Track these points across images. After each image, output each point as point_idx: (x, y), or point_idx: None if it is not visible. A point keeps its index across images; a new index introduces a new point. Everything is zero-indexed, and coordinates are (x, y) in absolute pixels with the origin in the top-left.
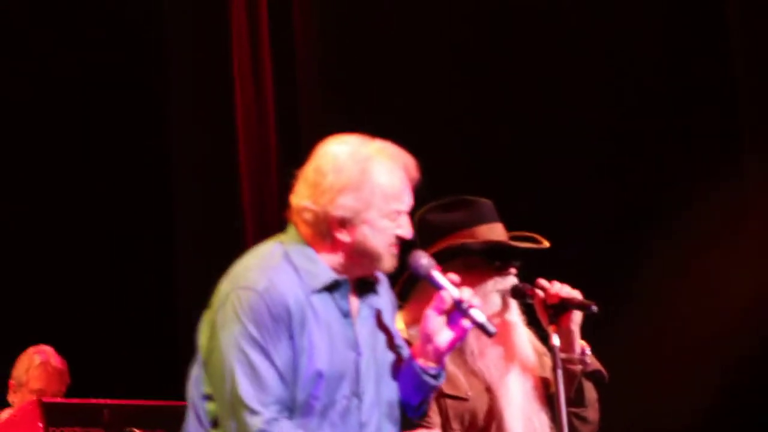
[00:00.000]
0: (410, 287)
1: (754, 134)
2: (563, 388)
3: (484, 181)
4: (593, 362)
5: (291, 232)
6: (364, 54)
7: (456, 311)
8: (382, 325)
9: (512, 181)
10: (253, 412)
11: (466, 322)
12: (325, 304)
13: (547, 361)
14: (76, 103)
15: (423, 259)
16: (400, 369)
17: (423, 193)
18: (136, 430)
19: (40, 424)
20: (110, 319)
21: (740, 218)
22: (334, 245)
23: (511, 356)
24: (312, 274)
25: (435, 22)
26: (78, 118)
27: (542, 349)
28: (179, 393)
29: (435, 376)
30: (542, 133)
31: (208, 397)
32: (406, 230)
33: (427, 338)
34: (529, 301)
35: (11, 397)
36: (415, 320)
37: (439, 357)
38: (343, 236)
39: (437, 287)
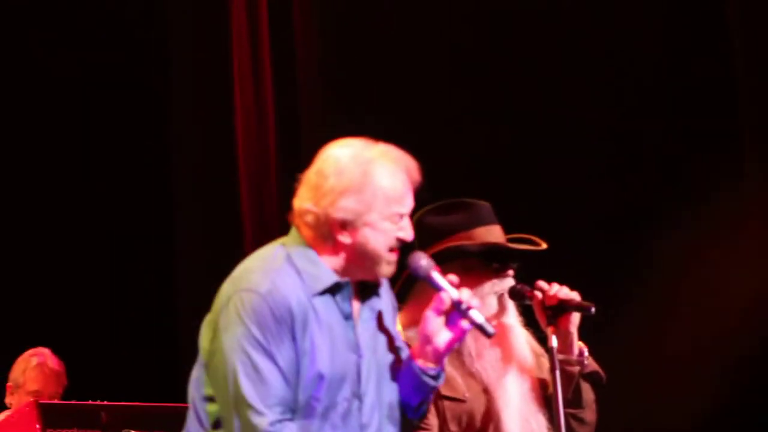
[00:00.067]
0: (408, 288)
1: (754, 134)
2: (561, 390)
3: (483, 182)
4: (591, 363)
5: (293, 234)
6: (364, 54)
7: (455, 312)
8: (382, 327)
9: (512, 181)
10: (258, 412)
11: (464, 323)
12: (326, 306)
13: (545, 362)
14: (76, 103)
15: (422, 260)
16: (400, 370)
17: (422, 193)
18: (133, 431)
19: (37, 426)
20: (108, 320)
21: (740, 218)
22: (336, 247)
23: (509, 358)
24: (314, 276)
25: (435, 22)
26: (77, 119)
27: (540, 350)
28: (177, 395)
29: (434, 377)
30: (542, 133)
31: (208, 399)
32: (408, 233)
33: (427, 339)
34: (528, 302)
35: (8, 399)
36: (413, 321)
37: (438, 358)
38: (345, 238)
39: (436, 288)
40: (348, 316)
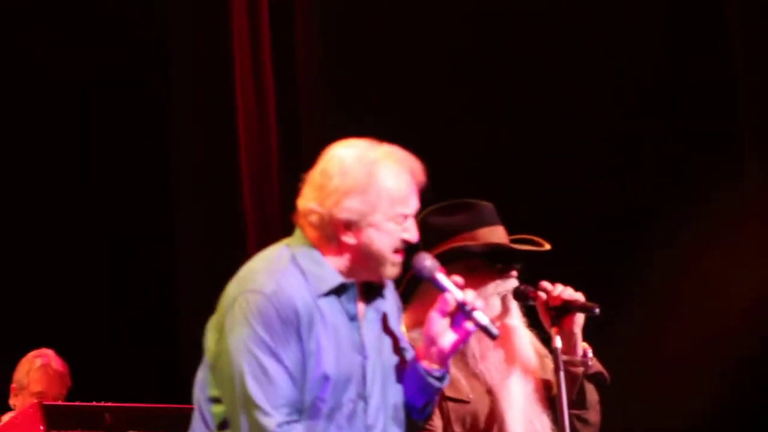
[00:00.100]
0: (413, 289)
1: (754, 134)
2: (565, 391)
3: (483, 182)
4: (595, 364)
5: (297, 235)
6: (364, 54)
7: (459, 313)
8: (387, 329)
9: (512, 181)
10: (266, 413)
11: (469, 325)
12: (332, 307)
13: (549, 363)
14: (76, 103)
15: (427, 261)
16: (405, 372)
17: (424, 193)
18: None
19: (41, 427)
20: (111, 321)
21: (740, 218)
22: (340, 248)
23: (513, 359)
24: (319, 277)
25: (435, 22)
26: (77, 119)
27: (544, 351)
28: (181, 396)
29: (439, 378)
30: (542, 133)
31: (214, 400)
32: (412, 234)
33: (431, 340)
34: (532, 303)
35: (12, 401)
36: (417, 322)
37: (443, 359)
38: (349, 239)
39: (441, 289)
40: (353, 317)
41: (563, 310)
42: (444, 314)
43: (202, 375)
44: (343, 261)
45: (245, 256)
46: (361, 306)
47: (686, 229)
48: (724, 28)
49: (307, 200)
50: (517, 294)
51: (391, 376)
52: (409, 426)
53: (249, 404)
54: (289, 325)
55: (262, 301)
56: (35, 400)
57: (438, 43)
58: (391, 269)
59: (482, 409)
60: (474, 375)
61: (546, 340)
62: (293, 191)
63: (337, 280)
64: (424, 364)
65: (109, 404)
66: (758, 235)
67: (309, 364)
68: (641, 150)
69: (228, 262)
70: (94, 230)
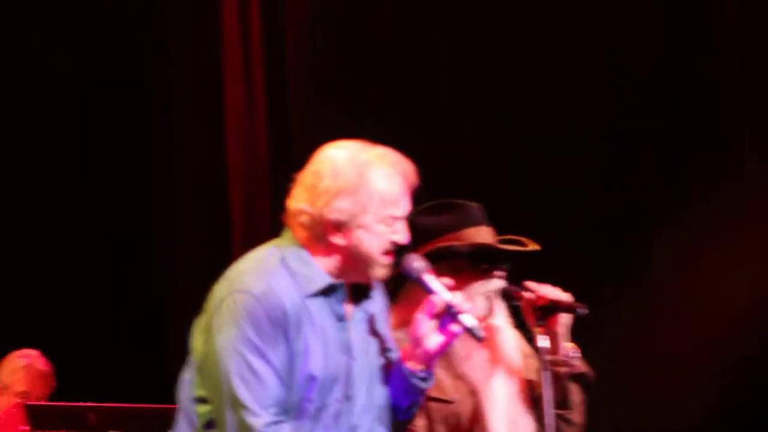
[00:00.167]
0: (399, 288)
1: (754, 134)
2: (550, 391)
3: (479, 182)
4: (580, 364)
5: (287, 235)
6: (355, 55)
7: (446, 315)
8: (375, 330)
9: (507, 181)
10: (253, 413)
11: (455, 327)
12: (320, 308)
13: (534, 363)
14: (76, 103)
15: (416, 262)
16: (390, 372)
17: (419, 193)
18: None
19: (25, 428)
20: (96, 322)
21: (739, 218)
22: (330, 249)
23: (497, 359)
24: (308, 278)
25: (428, 22)
26: (77, 118)
27: (529, 351)
28: (164, 396)
29: (424, 380)
30: (540, 133)
31: (200, 400)
32: (402, 236)
33: (417, 342)
34: (518, 303)
35: None
36: (403, 322)
37: (428, 360)
38: (338, 240)
39: (429, 291)
40: (341, 318)
41: (549, 310)
42: (431, 316)
43: (187, 375)
44: (332, 262)
45: (233, 256)
46: (349, 307)
47: (684, 229)
48: (724, 28)
49: (297, 200)
50: (504, 294)
51: (378, 376)
52: (395, 426)
53: (236, 404)
54: (278, 326)
55: (251, 301)
56: (19, 400)
57: (433, 43)
58: (380, 271)
59: (466, 409)
60: (458, 375)
61: (531, 339)
62: (283, 192)
63: (326, 280)
64: (410, 365)
65: (93, 404)
66: (757, 236)
67: (296, 364)
68: (641, 150)
69: (216, 263)
70: (81, 232)
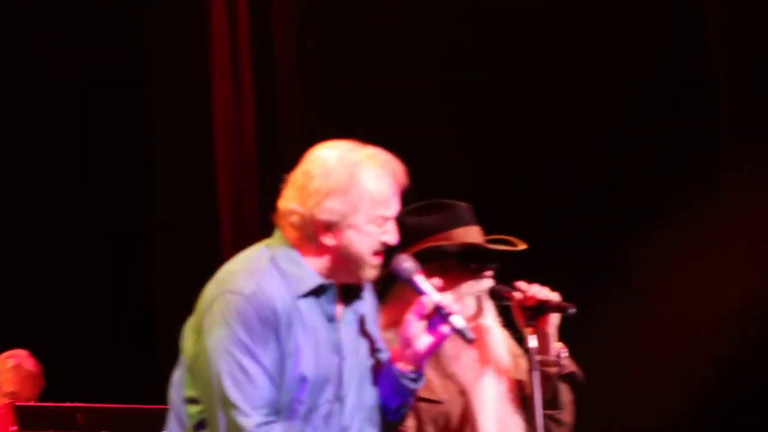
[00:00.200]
0: (389, 288)
1: (736, 137)
2: (539, 391)
3: (468, 181)
4: (569, 364)
5: (277, 235)
6: (343, 54)
7: (436, 316)
8: (365, 331)
9: (496, 181)
10: (244, 413)
11: (445, 328)
12: (311, 308)
13: (523, 363)
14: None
15: (406, 263)
16: (380, 373)
17: (409, 193)
18: None
19: (14, 428)
20: (86, 322)
21: (728, 220)
22: (320, 249)
23: (486, 359)
24: (298, 278)
25: (417, 19)
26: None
27: (518, 351)
28: (154, 396)
29: (414, 380)
30: (528, 133)
31: (190, 401)
32: (392, 236)
33: (407, 342)
34: (507, 303)
35: None
36: (392, 322)
37: (418, 361)
38: (329, 240)
39: (419, 292)
40: (332, 319)
41: (538, 310)
42: (421, 317)
43: (178, 375)
44: (322, 262)
45: (222, 257)
46: (339, 307)
47: (674, 230)
48: (711, 35)
49: (288, 201)
50: (493, 293)
51: (368, 377)
52: (384, 427)
53: (227, 405)
54: (268, 326)
55: (242, 301)
56: (8, 401)
57: (422, 41)
58: (371, 271)
59: (455, 409)
60: (447, 375)
61: (520, 339)
62: (271, 188)
63: (317, 281)
64: (399, 365)
65: (82, 405)
66: (739, 240)
67: (287, 365)
68: (628, 150)
69: (205, 263)
70: (69, 230)
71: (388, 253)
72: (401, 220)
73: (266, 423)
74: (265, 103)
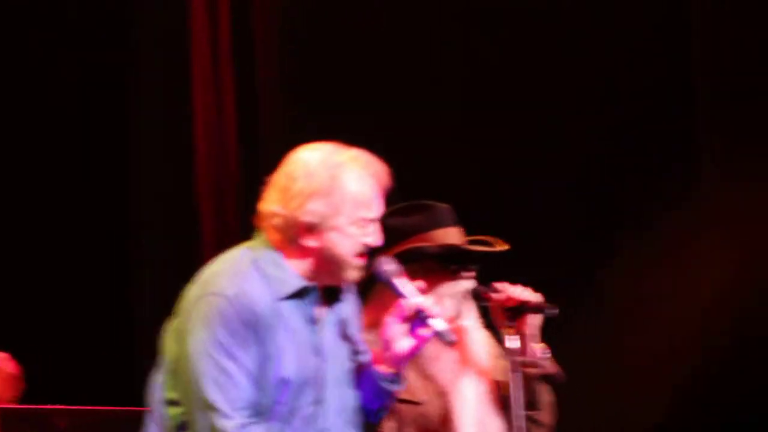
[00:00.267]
0: (370, 290)
1: (713, 142)
2: (519, 391)
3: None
4: (549, 365)
5: (259, 238)
6: (325, 53)
7: (416, 319)
8: (346, 333)
9: (476, 182)
10: (225, 415)
11: (425, 331)
12: (292, 310)
13: (503, 364)
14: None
15: (387, 265)
16: (361, 375)
17: (392, 194)
18: None
19: None
20: (66, 324)
21: (700, 226)
22: (302, 251)
23: (466, 360)
24: (280, 280)
25: (402, 19)
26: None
27: (498, 351)
28: (136, 399)
29: (394, 383)
30: (511, 134)
31: (171, 403)
32: (375, 238)
33: (387, 345)
34: (487, 303)
35: None
36: (373, 323)
37: (398, 364)
38: (311, 242)
39: (399, 295)
40: (313, 321)
41: (518, 310)
42: (401, 319)
43: (158, 378)
44: (305, 264)
45: (203, 258)
46: (321, 310)
47: (656, 231)
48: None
49: (270, 203)
50: (473, 295)
51: (348, 379)
52: (365, 429)
53: (207, 406)
54: (250, 328)
55: (223, 303)
56: None
57: (406, 41)
58: (353, 273)
59: (435, 410)
60: (427, 376)
61: (501, 340)
62: (252, 190)
63: (298, 283)
64: (380, 368)
65: (63, 407)
66: (716, 243)
67: (268, 367)
68: (611, 152)
69: (185, 265)
70: (50, 233)
71: (370, 254)
72: (382, 222)
73: (247, 425)
74: (247, 104)
